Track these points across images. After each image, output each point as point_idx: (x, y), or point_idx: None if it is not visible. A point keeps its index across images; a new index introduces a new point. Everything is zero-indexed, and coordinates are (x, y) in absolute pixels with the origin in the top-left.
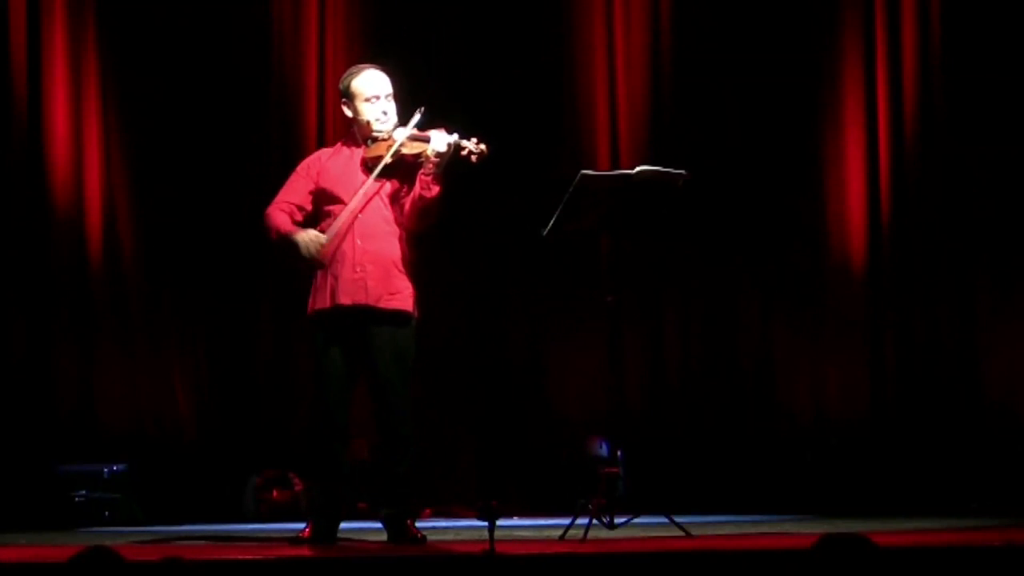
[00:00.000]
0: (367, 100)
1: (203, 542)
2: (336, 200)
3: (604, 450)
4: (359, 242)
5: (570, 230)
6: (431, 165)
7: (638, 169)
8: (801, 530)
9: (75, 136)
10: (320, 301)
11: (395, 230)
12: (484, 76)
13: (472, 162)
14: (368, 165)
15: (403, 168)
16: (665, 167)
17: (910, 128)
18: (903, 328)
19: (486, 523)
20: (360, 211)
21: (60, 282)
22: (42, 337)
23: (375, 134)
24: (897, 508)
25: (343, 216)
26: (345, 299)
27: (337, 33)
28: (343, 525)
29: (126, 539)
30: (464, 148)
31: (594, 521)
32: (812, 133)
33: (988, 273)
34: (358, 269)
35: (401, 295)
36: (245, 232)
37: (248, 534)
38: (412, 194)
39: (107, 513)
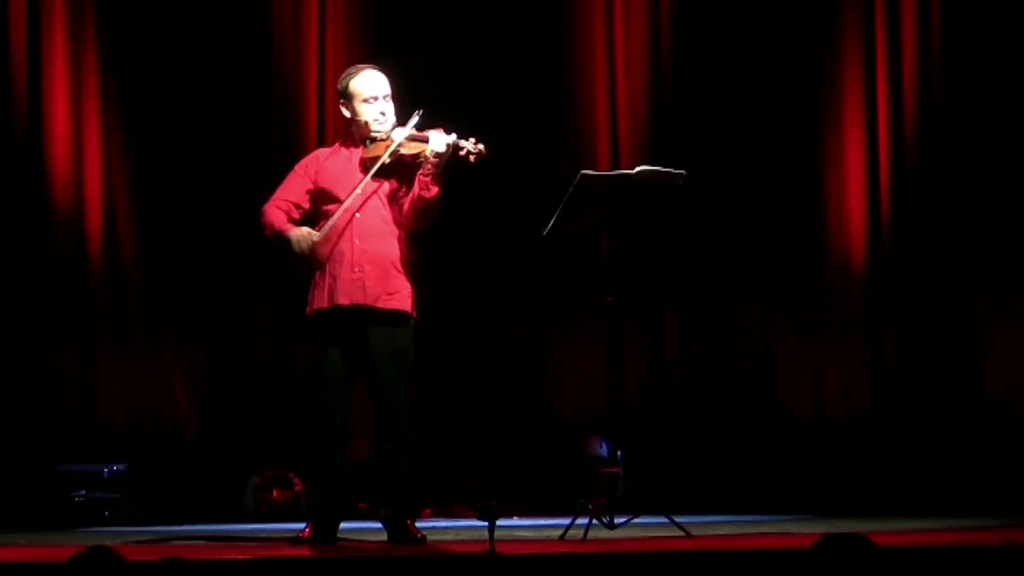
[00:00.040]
0: (365, 100)
1: (203, 542)
2: (334, 200)
3: (604, 450)
4: (357, 242)
5: (570, 230)
6: (430, 165)
7: (638, 169)
8: (801, 530)
9: (75, 136)
10: (319, 301)
11: (394, 230)
12: (484, 76)
13: (470, 162)
14: (366, 165)
15: (401, 168)
16: (665, 167)
17: (910, 128)
18: (903, 328)
19: (486, 523)
20: (358, 211)
21: (60, 282)
22: (42, 337)
23: (373, 134)
24: (897, 508)
25: (339, 215)
26: (343, 299)
27: (337, 33)
28: (343, 525)
29: (126, 539)
30: (462, 148)
31: (594, 521)
32: (812, 133)
33: (988, 273)
34: (356, 269)
35: (399, 295)
36: (245, 232)
37: (248, 534)
38: (411, 194)
39: (107, 513)
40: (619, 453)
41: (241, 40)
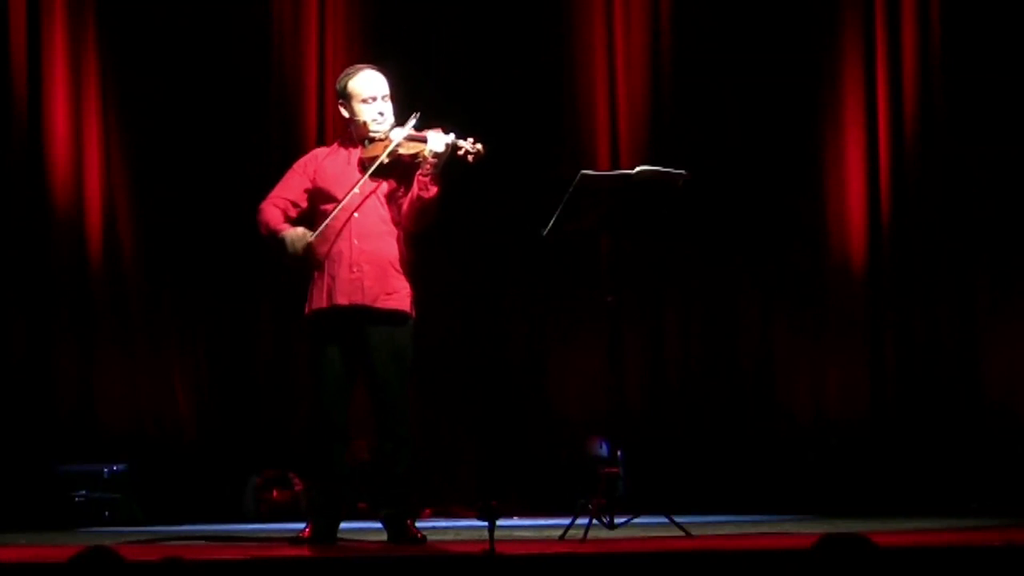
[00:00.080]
0: (364, 101)
1: (203, 542)
2: (332, 199)
3: (604, 450)
4: (356, 242)
5: (570, 230)
6: (429, 166)
7: (638, 169)
8: (801, 530)
9: (75, 136)
10: (317, 301)
11: (392, 230)
12: (484, 76)
13: (469, 162)
14: (365, 165)
15: (400, 168)
16: (665, 167)
17: (910, 128)
18: (903, 328)
19: (486, 523)
20: (356, 211)
21: (60, 282)
22: (42, 337)
23: (372, 134)
24: (897, 508)
25: (337, 214)
26: (342, 299)
27: (337, 33)
28: (343, 525)
29: (126, 539)
30: (461, 148)
31: (594, 521)
32: (812, 133)
33: (988, 273)
34: (355, 269)
35: (398, 295)
36: (245, 232)
37: (248, 534)
38: (410, 195)
39: (107, 513)
40: (619, 453)
41: (241, 40)
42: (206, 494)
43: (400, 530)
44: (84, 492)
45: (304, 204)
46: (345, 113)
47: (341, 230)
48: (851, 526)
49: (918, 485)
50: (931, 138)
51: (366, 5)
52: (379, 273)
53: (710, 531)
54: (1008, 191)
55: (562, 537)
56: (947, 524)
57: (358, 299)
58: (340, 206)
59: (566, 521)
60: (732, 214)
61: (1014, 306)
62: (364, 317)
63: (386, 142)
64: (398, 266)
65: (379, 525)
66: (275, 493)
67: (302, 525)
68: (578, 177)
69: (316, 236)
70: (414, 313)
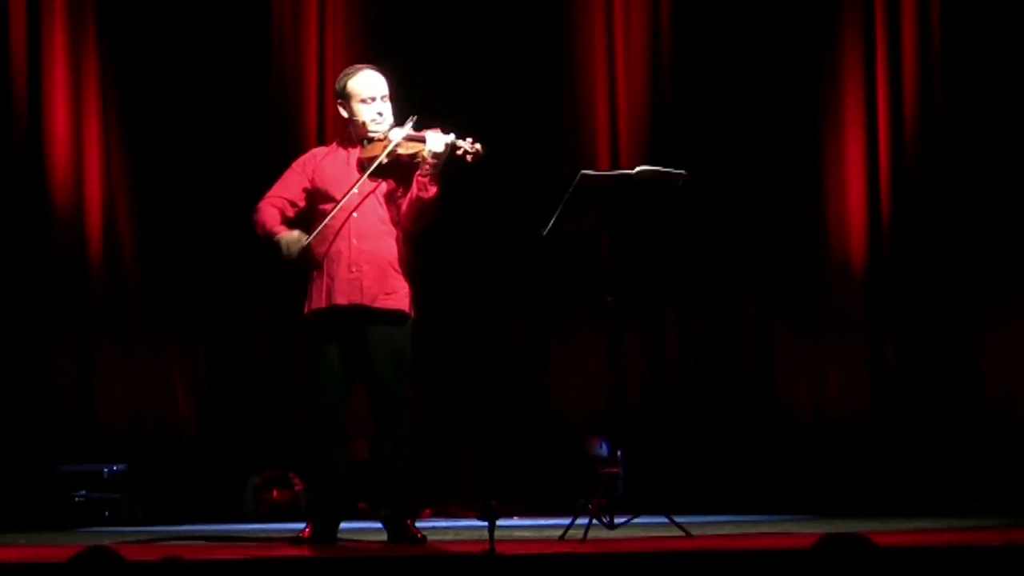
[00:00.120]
0: (363, 101)
1: (203, 542)
2: (330, 199)
3: (604, 450)
4: (355, 242)
5: (570, 230)
6: (428, 166)
7: (638, 169)
8: (801, 530)
9: (75, 136)
10: (316, 301)
11: (391, 230)
12: (484, 76)
13: (468, 162)
14: (364, 165)
15: (399, 168)
16: (665, 167)
17: (910, 128)
18: (903, 328)
19: (486, 523)
20: (355, 211)
21: (60, 282)
22: (42, 337)
23: (371, 134)
24: (897, 508)
25: (335, 214)
26: (341, 299)
27: (337, 33)
28: (343, 525)
29: (126, 539)
30: (460, 148)
31: (594, 521)
32: (812, 133)
33: (988, 273)
34: (354, 269)
35: (397, 295)
36: (245, 232)
37: (248, 534)
38: (410, 195)
39: (107, 513)
40: (619, 453)
41: (241, 40)
42: (206, 494)
43: (400, 530)
44: (84, 492)
45: (302, 204)
46: (344, 113)
47: (340, 230)
48: (851, 526)
49: (918, 485)
50: (931, 138)
51: (366, 5)
52: (378, 273)
53: (710, 531)
54: (1008, 191)
55: (562, 537)
56: (947, 524)
57: (357, 299)
58: (339, 206)
59: (566, 521)
60: (732, 214)
61: (1014, 306)
62: (363, 317)
63: (385, 142)
64: (397, 266)
65: (379, 525)
66: (275, 493)
67: (302, 525)
68: (578, 177)
69: (312, 239)
70: (413, 313)
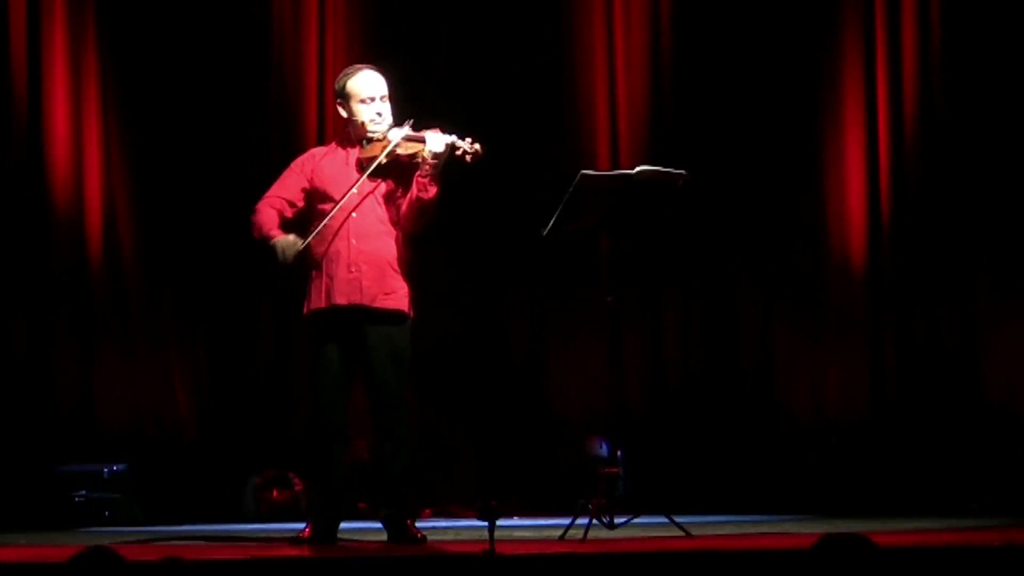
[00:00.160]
0: (362, 101)
1: (203, 542)
2: (329, 199)
3: (604, 450)
4: (354, 242)
5: (570, 230)
6: (428, 166)
7: (638, 169)
8: (801, 530)
9: (75, 136)
10: (316, 301)
11: (390, 230)
12: (484, 76)
13: (467, 162)
14: (363, 165)
15: (398, 168)
16: (665, 167)
17: (910, 128)
18: (903, 328)
19: (486, 523)
20: (354, 211)
21: (60, 282)
22: (42, 337)
23: (370, 135)
24: (897, 508)
25: (334, 214)
26: (341, 299)
27: (337, 33)
28: (343, 525)
29: (126, 539)
30: (459, 148)
31: (594, 521)
32: (812, 133)
33: (988, 273)
34: (353, 269)
35: (396, 295)
36: (245, 232)
37: (248, 534)
38: (409, 195)
39: (107, 513)
40: (619, 453)
41: (241, 40)
42: (206, 494)
43: (400, 530)
44: (84, 492)
45: (301, 204)
46: (343, 113)
47: (339, 230)
48: (851, 526)
49: (918, 485)
50: (931, 138)
51: (366, 5)
52: (377, 273)
53: (710, 531)
54: (1008, 191)
55: (562, 537)
56: (947, 524)
57: (356, 299)
58: (338, 206)
59: (566, 521)
60: (732, 214)
61: (1014, 306)
62: (362, 317)
63: (384, 142)
64: (396, 266)
65: (379, 525)
66: (275, 493)
67: (302, 525)
68: (578, 177)
69: (307, 243)
70: (412, 313)
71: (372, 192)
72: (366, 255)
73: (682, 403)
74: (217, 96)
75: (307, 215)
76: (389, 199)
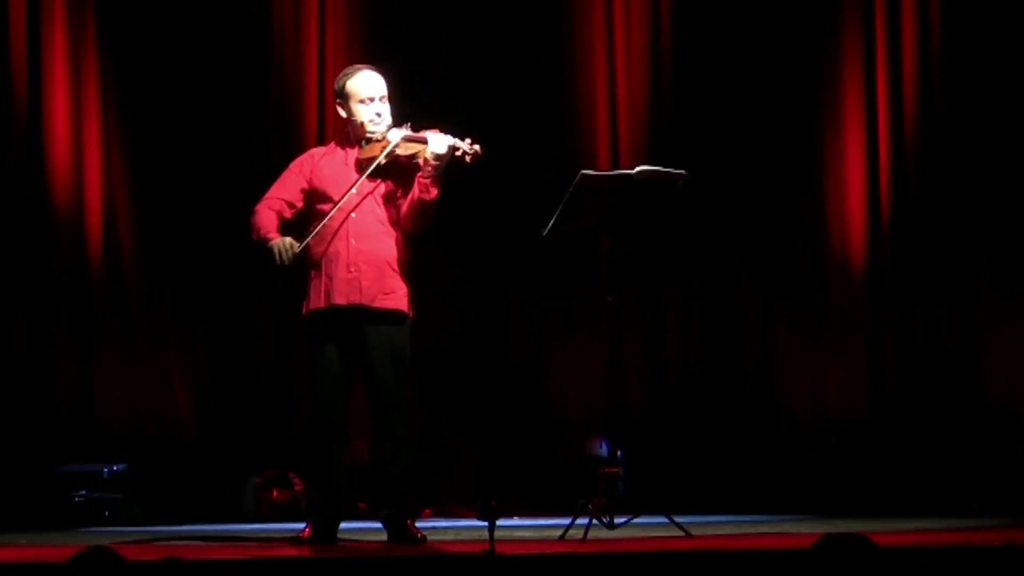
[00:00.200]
0: (362, 101)
1: (203, 542)
2: (328, 199)
3: (604, 450)
4: (353, 242)
5: (570, 230)
6: (430, 168)
7: (638, 169)
8: (801, 530)
9: (75, 136)
10: (315, 301)
11: (390, 231)
12: (484, 76)
13: (467, 163)
14: (362, 166)
15: (397, 169)
16: (665, 167)
17: (910, 128)
18: (903, 328)
19: (486, 523)
20: (354, 211)
21: (60, 282)
22: (42, 337)
23: (369, 135)
24: (897, 508)
25: (333, 215)
26: (340, 299)
27: (337, 33)
28: (343, 525)
29: (126, 539)
30: (459, 149)
31: (594, 521)
32: (812, 133)
33: (988, 273)
34: (352, 269)
35: (396, 295)
36: (245, 232)
37: (248, 534)
38: (411, 196)
39: (107, 513)
40: (619, 453)
41: (241, 40)
42: (206, 494)
43: (400, 530)
44: (84, 492)
45: (300, 204)
46: (343, 113)
47: (338, 230)
48: (851, 526)
49: (918, 485)
50: (931, 138)
51: (366, 5)
52: (377, 273)
53: (710, 531)
54: (1008, 191)
55: (562, 537)
56: (947, 524)
57: (356, 299)
58: (337, 206)
59: (566, 521)
60: (732, 214)
61: (1014, 306)
62: (362, 317)
63: (384, 143)
64: (395, 266)
65: (379, 525)
66: (275, 493)
67: (302, 525)
68: (578, 177)
69: (305, 244)
70: (412, 313)
71: (371, 192)
72: (365, 255)
73: (682, 403)
74: (217, 96)
75: (307, 215)
76: (388, 199)
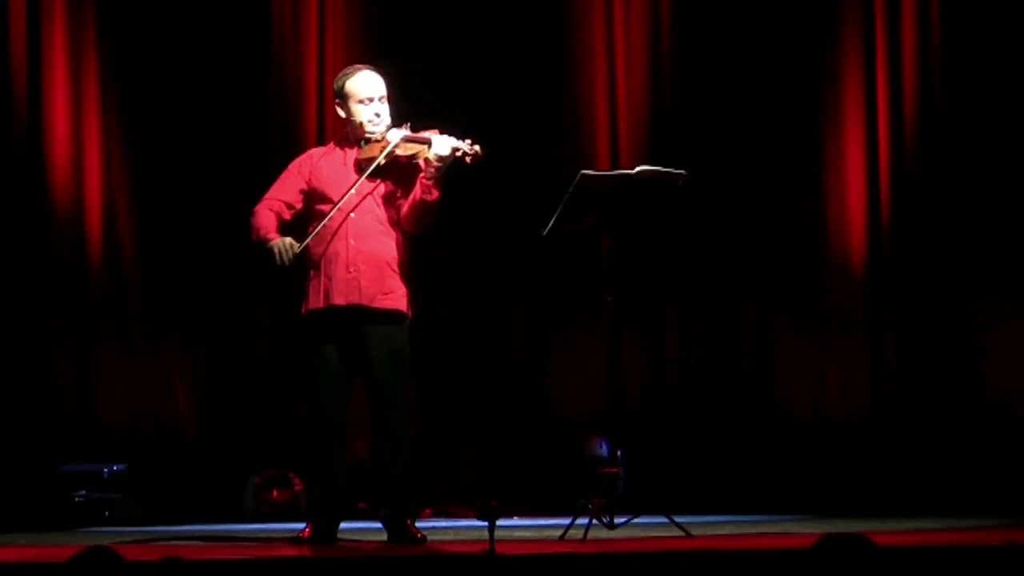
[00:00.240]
0: (361, 101)
1: (203, 542)
2: (327, 200)
3: (604, 450)
4: (352, 242)
5: (570, 230)
6: (432, 169)
7: (638, 169)
8: (801, 530)
9: (75, 136)
10: (314, 302)
11: (389, 231)
12: (484, 76)
13: (467, 163)
14: (361, 166)
15: (397, 169)
16: (665, 167)
17: (910, 128)
18: (903, 328)
19: (486, 523)
20: (353, 211)
21: (60, 282)
22: (42, 337)
23: (368, 135)
24: (897, 508)
25: (333, 215)
26: (339, 299)
27: (337, 33)
28: (343, 525)
29: (126, 539)
30: (459, 149)
31: (594, 521)
32: (812, 133)
33: (988, 273)
34: (351, 269)
35: (395, 295)
36: (245, 232)
37: (248, 534)
38: (412, 197)
39: (107, 513)
40: (619, 453)
41: (241, 40)
42: (206, 494)
43: (400, 530)
44: (84, 492)
45: (299, 205)
46: (342, 113)
47: (337, 230)
48: (851, 526)
49: (918, 485)
50: (931, 138)
51: (366, 5)
52: (376, 273)
53: (710, 531)
54: (1008, 191)
55: (562, 537)
56: (947, 524)
57: (355, 299)
58: (336, 207)
59: (566, 521)
60: (732, 214)
61: (1014, 306)
62: (361, 317)
63: (383, 143)
64: (395, 267)
65: (379, 525)
66: (275, 493)
67: (302, 525)
68: (578, 177)
69: (304, 245)
70: (411, 313)
71: (371, 193)
72: (365, 255)
73: (682, 403)
74: (217, 96)
75: (306, 216)
76: (388, 200)
